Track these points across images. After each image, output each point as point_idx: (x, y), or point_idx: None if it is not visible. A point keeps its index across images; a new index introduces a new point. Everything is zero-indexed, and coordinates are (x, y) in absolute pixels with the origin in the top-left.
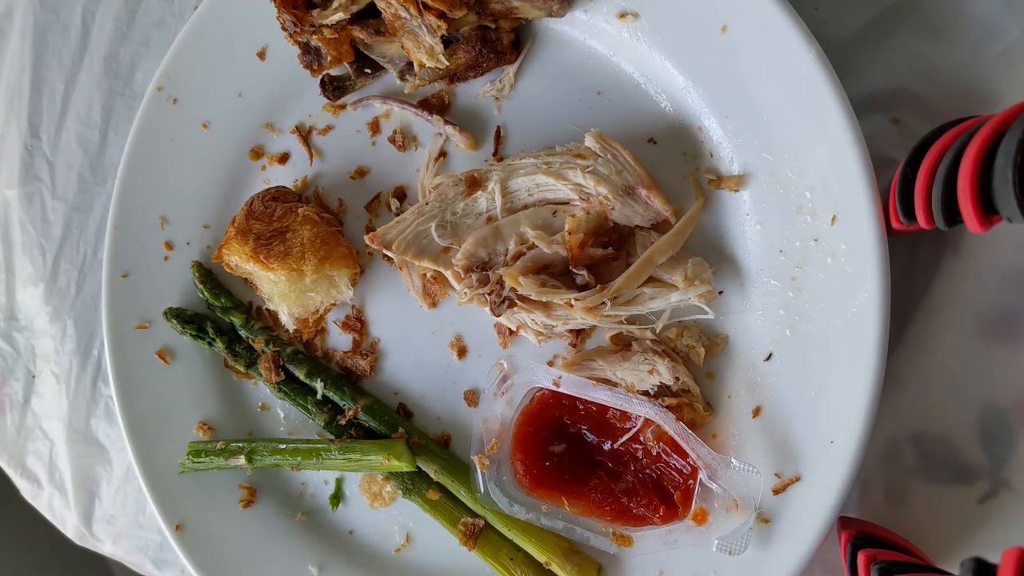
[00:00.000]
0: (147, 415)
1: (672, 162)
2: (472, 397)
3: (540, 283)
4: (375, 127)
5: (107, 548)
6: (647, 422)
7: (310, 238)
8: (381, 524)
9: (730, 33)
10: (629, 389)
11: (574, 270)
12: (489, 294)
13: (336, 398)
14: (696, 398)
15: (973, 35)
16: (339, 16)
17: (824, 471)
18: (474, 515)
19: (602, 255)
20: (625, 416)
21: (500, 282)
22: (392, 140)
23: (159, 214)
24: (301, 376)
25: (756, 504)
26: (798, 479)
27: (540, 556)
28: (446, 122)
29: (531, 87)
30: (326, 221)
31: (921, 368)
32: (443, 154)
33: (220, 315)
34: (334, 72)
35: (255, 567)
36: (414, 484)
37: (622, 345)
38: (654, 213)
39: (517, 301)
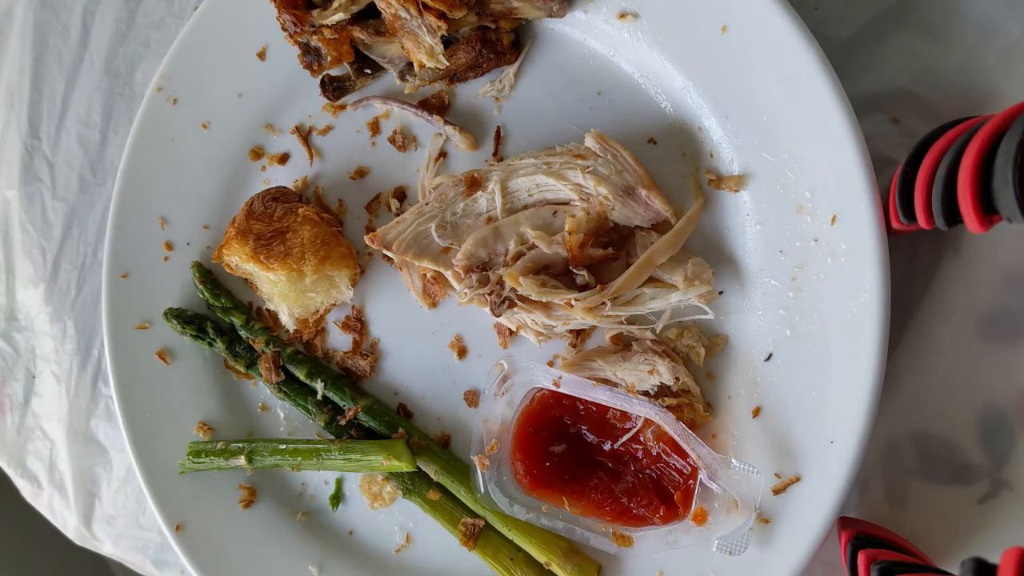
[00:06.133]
0: (147, 415)
1: (672, 162)
2: (472, 397)
3: (540, 283)
4: (375, 127)
5: (107, 548)
6: (647, 422)
7: (310, 238)
8: (381, 524)
9: (730, 33)
10: (629, 389)
11: (574, 270)
12: (489, 294)
13: (336, 398)
14: (696, 398)
15: (973, 35)
16: (339, 16)
17: (824, 471)
18: (474, 515)
19: (602, 255)
20: (625, 416)
21: (500, 282)
22: (392, 140)
23: (159, 214)
24: (301, 376)
25: (756, 504)
26: (798, 479)
27: (540, 556)
28: (446, 122)
29: (531, 87)
30: (326, 221)
31: (921, 368)
32: (443, 154)
33: (220, 315)
34: (334, 72)
35: (255, 567)
36: (414, 484)
37: (622, 345)
38: (654, 213)
39: (517, 301)
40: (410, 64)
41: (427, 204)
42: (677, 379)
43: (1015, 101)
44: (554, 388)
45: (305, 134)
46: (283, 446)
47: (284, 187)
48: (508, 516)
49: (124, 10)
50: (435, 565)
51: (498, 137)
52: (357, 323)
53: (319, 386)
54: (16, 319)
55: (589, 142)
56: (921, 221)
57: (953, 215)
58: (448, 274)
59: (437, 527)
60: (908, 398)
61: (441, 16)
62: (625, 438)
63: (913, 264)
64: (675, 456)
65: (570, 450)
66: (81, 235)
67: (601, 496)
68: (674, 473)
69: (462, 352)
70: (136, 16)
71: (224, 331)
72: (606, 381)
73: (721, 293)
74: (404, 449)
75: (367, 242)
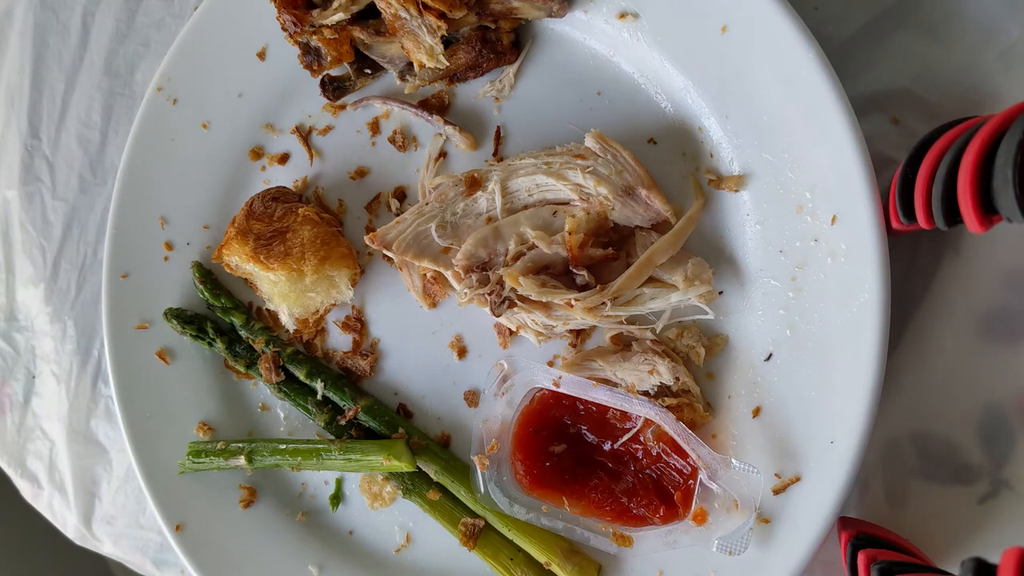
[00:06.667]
0: (147, 415)
1: (672, 162)
2: (472, 397)
3: (540, 283)
4: (375, 127)
5: (107, 548)
6: (647, 422)
7: (310, 238)
8: (381, 524)
9: (730, 33)
10: (629, 389)
11: (574, 270)
12: (489, 294)
13: (336, 398)
14: (696, 398)
15: (973, 35)
16: (339, 16)
17: (824, 471)
18: (474, 515)
19: (602, 255)
20: (625, 416)
21: (500, 282)
22: (392, 140)
23: (159, 214)
24: (301, 376)
25: (756, 504)
26: (798, 479)
27: (540, 556)
28: (446, 122)
29: (531, 87)
30: (326, 221)
31: (921, 368)
32: (443, 154)
33: (220, 315)
34: (334, 72)
35: (255, 567)
36: (414, 484)
37: (622, 345)
38: (654, 213)
39: (517, 301)
40: (410, 64)
41: (427, 204)
42: (677, 379)
43: (1015, 101)
44: (554, 388)
45: (305, 134)
46: (283, 446)
47: (284, 187)
48: (508, 516)
49: (124, 10)
50: (435, 565)
51: (498, 137)
52: (357, 323)
53: (319, 386)
54: (16, 319)
55: (589, 142)
56: (921, 221)
57: (953, 215)
58: (448, 274)
59: (437, 527)
60: (908, 398)
61: (441, 16)
62: (625, 438)
63: (913, 264)
64: (675, 456)
65: (570, 450)
66: (81, 235)
67: (601, 496)
68: (674, 473)
69: (462, 352)
70: (136, 16)
71: (224, 331)
72: (606, 381)
73: (721, 293)
74: (404, 449)
75: (367, 242)
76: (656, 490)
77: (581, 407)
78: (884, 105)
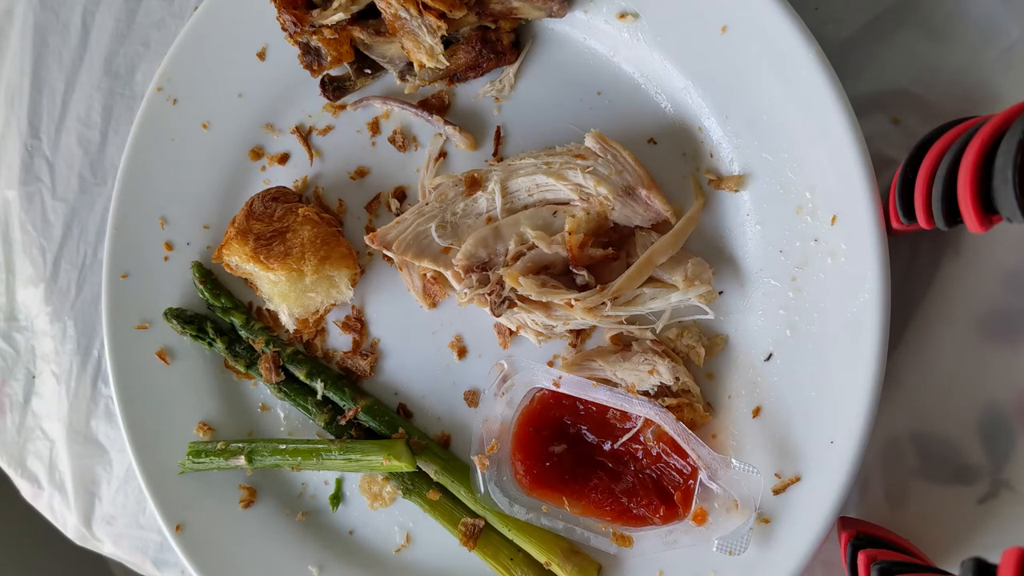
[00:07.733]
0: (147, 415)
1: (672, 162)
2: (472, 397)
3: (540, 283)
4: (375, 127)
5: (107, 548)
6: (647, 422)
7: (310, 238)
8: (381, 524)
9: (730, 33)
10: (629, 389)
11: (574, 270)
12: (489, 294)
13: (336, 398)
14: (696, 398)
15: (973, 35)
16: (339, 16)
17: (824, 471)
18: (474, 515)
19: (602, 255)
20: (625, 416)
21: (500, 282)
22: (392, 140)
23: (159, 214)
24: (301, 376)
25: (756, 504)
26: (798, 479)
27: (540, 556)
28: (446, 122)
29: (531, 87)
30: (326, 221)
31: (921, 368)
32: (443, 154)
33: (220, 315)
34: (334, 72)
35: (255, 567)
36: (414, 484)
37: (622, 345)
38: (654, 213)
39: (517, 301)
40: (410, 64)
41: (427, 204)
42: (677, 379)
43: (1015, 101)
44: (554, 388)
45: (305, 134)
46: (283, 446)
47: (284, 187)
48: (508, 516)
49: (124, 10)
50: (435, 565)
51: (498, 137)
52: (357, 323)
53: (319, 386)
54: (16, 319)
55: (589, 142)
56: (921, 221)
57: (953, 215)
58: (448, 274)
59: (437, 527)
60: (908, 398)
61: (441, 16)
62: (625, 438)
63: (913, 264)
64: (675, 456)
65: (570, 450)
66: (81, 235)
67: (601, 496)
68: (674, 473)
69: (462, 352)
70: (136, 16)
71: (224, 331)
72: (606, 381)
73: (721, 293)
74: (404, 449)
75: (367, 242)
76: (656, 490)
77: (581, 407)
78: (884, 105)
